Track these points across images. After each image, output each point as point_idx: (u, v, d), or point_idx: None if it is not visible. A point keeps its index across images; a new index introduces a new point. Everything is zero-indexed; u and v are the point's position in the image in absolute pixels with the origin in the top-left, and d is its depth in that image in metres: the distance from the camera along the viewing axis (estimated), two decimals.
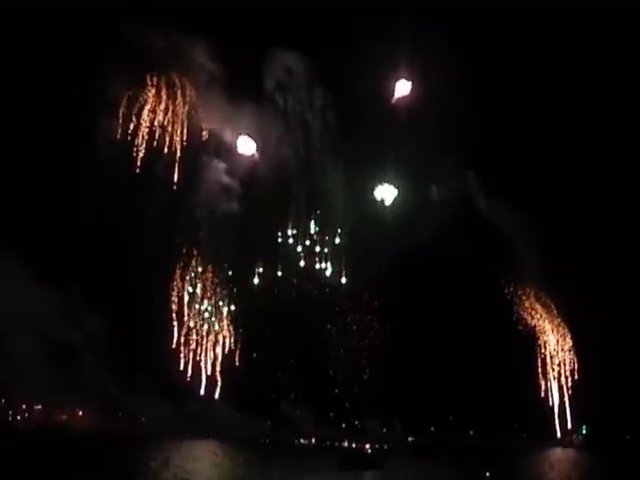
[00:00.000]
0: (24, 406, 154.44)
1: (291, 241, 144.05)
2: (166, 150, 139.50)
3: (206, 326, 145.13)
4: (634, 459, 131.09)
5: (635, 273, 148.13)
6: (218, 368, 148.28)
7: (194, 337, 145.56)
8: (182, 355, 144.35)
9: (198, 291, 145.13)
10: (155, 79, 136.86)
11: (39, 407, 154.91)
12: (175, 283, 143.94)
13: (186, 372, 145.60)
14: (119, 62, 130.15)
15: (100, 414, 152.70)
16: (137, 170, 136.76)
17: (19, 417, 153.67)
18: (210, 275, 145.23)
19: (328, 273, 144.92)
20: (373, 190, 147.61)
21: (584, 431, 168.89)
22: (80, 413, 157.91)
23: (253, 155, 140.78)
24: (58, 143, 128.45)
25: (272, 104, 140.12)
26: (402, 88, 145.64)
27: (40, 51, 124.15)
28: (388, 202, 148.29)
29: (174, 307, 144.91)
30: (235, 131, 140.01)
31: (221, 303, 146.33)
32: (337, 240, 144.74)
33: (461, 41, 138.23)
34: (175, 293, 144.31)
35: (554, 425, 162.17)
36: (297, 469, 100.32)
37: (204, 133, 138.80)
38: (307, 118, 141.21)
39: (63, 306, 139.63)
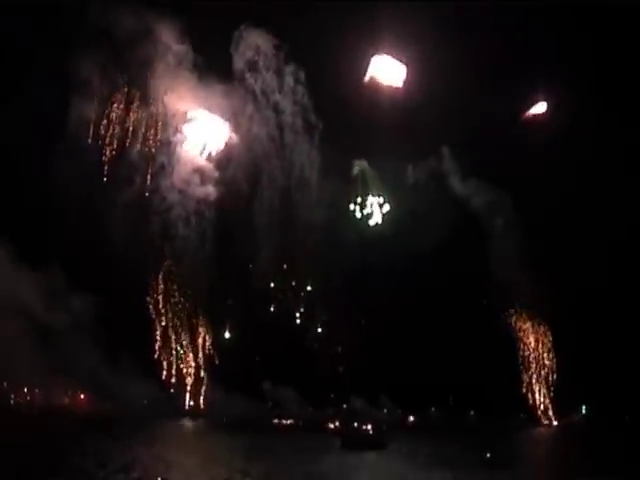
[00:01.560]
0: (26, 390, 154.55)
1: None
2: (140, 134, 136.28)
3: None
4: (630, 440, 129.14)
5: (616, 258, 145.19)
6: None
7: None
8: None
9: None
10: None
11: (40, 390, 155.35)
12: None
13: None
14: (88, 43, 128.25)
15: (99, 397, 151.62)
16: (110, 152, 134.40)
17: (21, 401, 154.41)
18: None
19: None
20: (350, 168, 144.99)
21: (583, 411, 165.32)
22: (82, 396, 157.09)
23: (227, 137, 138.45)
24: (32, 124, 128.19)
25: (243, 84, 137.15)
26: (377, 65, 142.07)
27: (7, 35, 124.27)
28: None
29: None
30: (207, 112, 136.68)
31: None
32: None
33: (437, 17, 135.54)
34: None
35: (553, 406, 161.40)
36: (299, 450, 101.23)
37: (176, 115, 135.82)
38: (278, 97, 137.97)
39: (47, 289, 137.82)
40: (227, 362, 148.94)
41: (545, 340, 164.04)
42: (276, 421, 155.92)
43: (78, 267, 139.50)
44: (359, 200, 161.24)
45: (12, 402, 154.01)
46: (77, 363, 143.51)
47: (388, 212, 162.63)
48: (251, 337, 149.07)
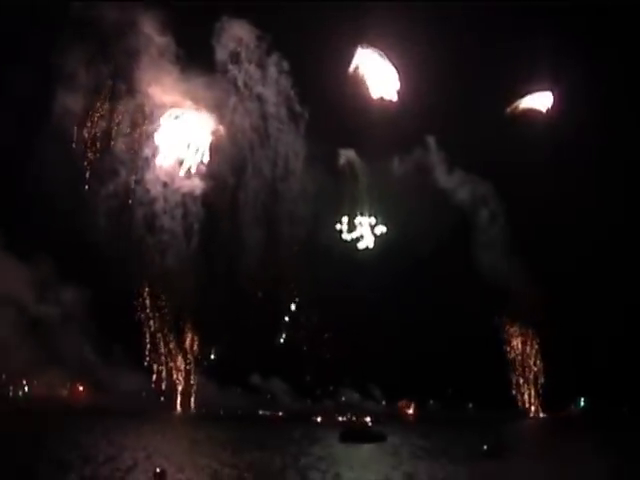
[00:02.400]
0: (24, 382, 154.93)
1: None
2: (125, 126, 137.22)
3: None
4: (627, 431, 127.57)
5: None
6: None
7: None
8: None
9: None
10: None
11: (38, 382, 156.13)
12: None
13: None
14: (73, 36, 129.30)
15: (97, 389, 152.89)
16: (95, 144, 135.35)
17: (19, 392, 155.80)
18: None
19: None
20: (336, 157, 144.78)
21: (582, 403, 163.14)
22: (81, 388, 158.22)
23: (212, 129, 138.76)
24: (17, 117, 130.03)
25: (225, 75, 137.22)
26: (362, 56, 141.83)
27: None
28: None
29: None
30: (191, 104, 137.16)
31: None
32: None
33: (423, 7, 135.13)
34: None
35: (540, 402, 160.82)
36: (299, 441, 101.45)
37: (160, 108, 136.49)
38: (261, 88, 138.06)
39: (37, 280, 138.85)
40: (217, 357, 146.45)
41: (532, 343, 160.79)
42: (265, 413, 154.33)
43: (68, 259, 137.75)
44: (347, 220, 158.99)
45: (10, 394, 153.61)
46: (69, 355, 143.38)
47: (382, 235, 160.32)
48: (240, 332, 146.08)
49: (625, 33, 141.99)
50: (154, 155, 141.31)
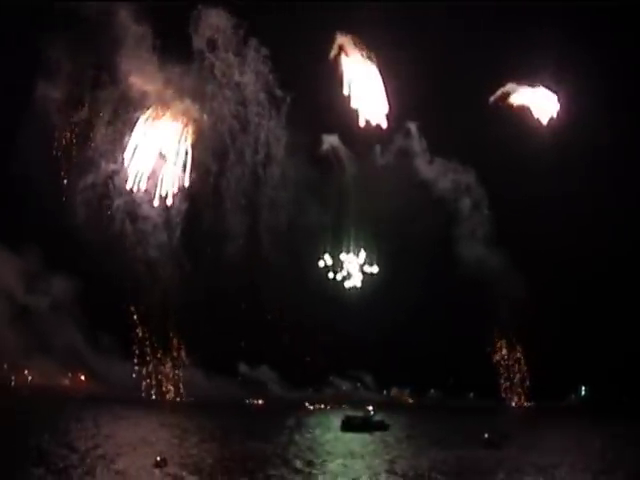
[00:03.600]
0: (26, 371, 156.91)
1: None
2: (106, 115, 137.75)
3: None
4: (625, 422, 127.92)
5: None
6: None
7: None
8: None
9: None
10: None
11: (39, 372, 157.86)
12: None
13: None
14: (54, 25, 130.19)
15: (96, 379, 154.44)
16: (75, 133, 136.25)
17: (21, 382, 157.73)
18: None
19: None
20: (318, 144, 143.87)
21: (583, 392, 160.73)
22: (82, 378, 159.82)
23: (193, 118, 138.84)
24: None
25: (203, 64, 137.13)
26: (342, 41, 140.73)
27: None
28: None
29: None
30: (171, 94, 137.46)
31: None
32: None
33: None
34: None
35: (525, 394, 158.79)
36: (299, 430, 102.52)
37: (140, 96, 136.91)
38: (240, 74, 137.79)
39: (26, 271, 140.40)
40: (205, 347, 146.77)
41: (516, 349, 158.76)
42: (255, 402, 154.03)
43: (55, 249, 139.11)
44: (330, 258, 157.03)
45: (13, 383, 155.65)
46: (58, 344, 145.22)
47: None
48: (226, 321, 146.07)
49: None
50: (136, 146, 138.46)
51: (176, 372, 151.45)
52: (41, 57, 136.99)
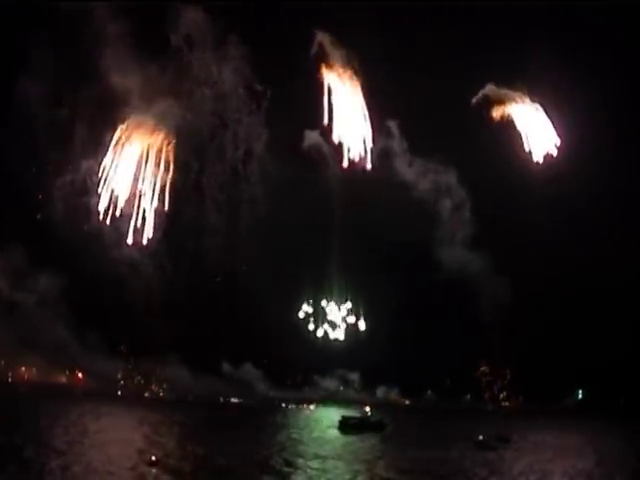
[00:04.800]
0: (23, 368, 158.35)
1: None
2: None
3: None
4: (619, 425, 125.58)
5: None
6: None
7: None
8: None
9: None
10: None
11: (37, 369, 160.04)
12: None
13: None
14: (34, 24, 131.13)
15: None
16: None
17: (18, 379, 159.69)
18: None
19: None
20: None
21: (580, 395, 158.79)
22: (80, 375, 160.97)
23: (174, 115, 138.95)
24: None
25: (182, 61, 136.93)
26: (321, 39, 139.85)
27: None
28: None
29: None
30: (151, 91, 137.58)
31: None
32: None
33: None
34: None
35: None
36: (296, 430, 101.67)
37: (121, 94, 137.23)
38: (219, 70, 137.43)
39: (10, 268, 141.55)
40: (190, 345, 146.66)
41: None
42: (239, 400, 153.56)
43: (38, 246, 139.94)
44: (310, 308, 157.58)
45: (10, 380, 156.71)
46: (46, 340, 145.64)
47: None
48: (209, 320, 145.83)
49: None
50: (118, 143, 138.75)
51: (160, 370, 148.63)
52: (22, 54, 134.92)
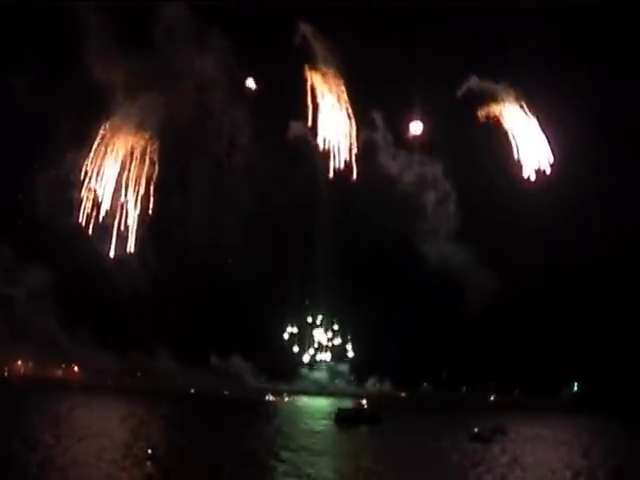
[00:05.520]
0: (19, 362, 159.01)
1: None
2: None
3: None
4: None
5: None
6: None
7: None
8: None
9: None
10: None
11: (33, 363, 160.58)
12: None
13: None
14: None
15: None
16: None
17: (13, 373, 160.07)
18: None
19: None
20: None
21: (575, 388, 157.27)
22: (75, 369, 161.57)
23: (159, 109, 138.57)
24: None
25: (164, 54, 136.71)
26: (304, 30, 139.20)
27: None
28: None
29: None
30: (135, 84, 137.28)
31: None
32: None
33: None
34: None
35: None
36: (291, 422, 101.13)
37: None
38: (202, 62, 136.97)
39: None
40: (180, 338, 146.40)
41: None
42: (229, 392, 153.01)
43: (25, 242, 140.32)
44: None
45: (5, 374, 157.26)
46: (36, 334, 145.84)
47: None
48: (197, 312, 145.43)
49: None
50: (103, 138, 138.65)
51: (150, 364, 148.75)
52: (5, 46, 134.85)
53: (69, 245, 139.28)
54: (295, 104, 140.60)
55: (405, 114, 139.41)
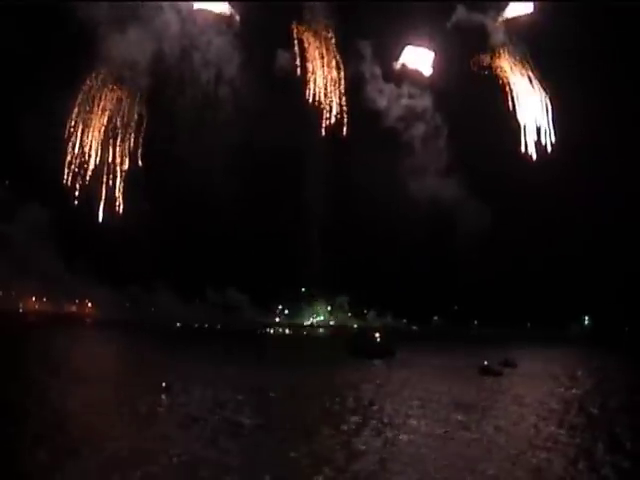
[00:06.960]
0: (34, 298, 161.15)
1: None
2: None
3: None
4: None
5: None
6: None
7: None
8: None
9: None
10: None
11: (47, 299, 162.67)
12: None
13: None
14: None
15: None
16: None
17: (29, 309, 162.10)
18: None
19: None
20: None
21: (586, 321, 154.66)
22: (89, 305, 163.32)
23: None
24: None
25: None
26: None
27: None
28: None
29: None
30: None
31: None
32: None
33: None
34: None
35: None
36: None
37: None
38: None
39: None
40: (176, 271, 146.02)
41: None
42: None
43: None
44: None
45: (21, 310, 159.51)
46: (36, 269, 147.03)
47: None
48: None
49: None
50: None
51: (147, 297, 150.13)
52: None
53: (63, 183, 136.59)
54: (282, 33, 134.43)
55: (393, 45, 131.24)
